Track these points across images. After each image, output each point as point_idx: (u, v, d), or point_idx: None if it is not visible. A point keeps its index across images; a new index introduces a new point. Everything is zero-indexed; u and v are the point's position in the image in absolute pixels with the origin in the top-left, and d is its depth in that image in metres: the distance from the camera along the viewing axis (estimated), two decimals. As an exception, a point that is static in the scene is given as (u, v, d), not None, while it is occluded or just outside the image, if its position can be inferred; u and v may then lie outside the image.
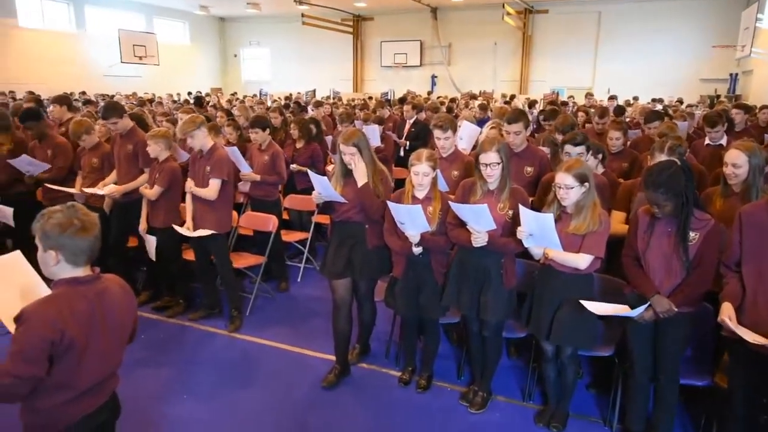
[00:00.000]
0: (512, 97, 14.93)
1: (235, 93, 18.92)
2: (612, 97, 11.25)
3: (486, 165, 2.92)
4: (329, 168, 5.99)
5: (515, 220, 2.90)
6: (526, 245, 2.83)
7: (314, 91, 19.69)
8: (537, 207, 3.12)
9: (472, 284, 3.10)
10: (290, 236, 5.44)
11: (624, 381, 3.03)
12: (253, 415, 3.29)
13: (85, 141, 4.59)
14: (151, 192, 4.23)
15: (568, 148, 3.56)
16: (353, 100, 16.25)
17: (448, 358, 3.89)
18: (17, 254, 2.00)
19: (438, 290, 3.26)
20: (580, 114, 8.25)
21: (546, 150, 4.11)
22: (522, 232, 2.76)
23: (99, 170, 4.65)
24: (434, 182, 3.17)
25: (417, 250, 3.14)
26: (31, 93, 12.61)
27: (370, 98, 16.52)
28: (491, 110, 10.73)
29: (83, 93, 14.97)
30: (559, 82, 19.44)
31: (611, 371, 3.22)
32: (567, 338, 2.88)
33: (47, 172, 4.76)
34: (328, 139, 6.83)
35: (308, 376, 3.67)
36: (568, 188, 2.71)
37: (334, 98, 16.52)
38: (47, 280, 1.89)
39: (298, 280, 5.40)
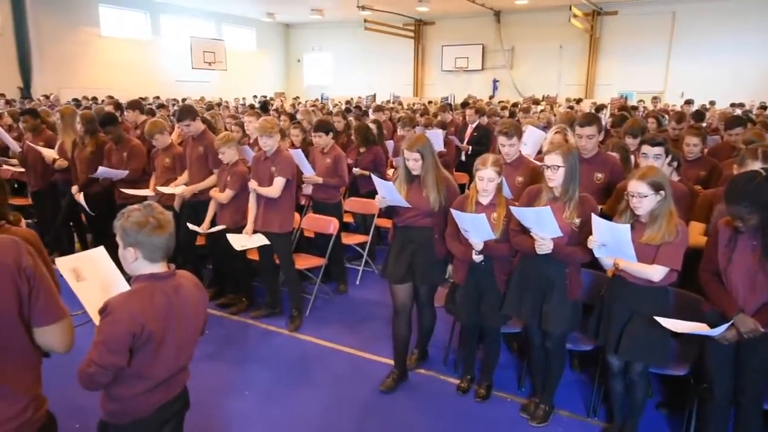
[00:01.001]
0: (578, 101, 14.49)
1: (297, 97, 19.39)
2: (688, 102, 10.69)
3: (548, 167, 2.84)
4: (390, 172, 6.03)
5: (582, 229, 2.79)
6: (597, 255, 2.72)
7: (374, 95, 19.86)
8: (607, 215, 3.00)
9: (534, 293, 3.01)
10: (350, 239, 5.50)
11: (700, 403, 2.85)
12: (311, 415, 3.33)
13: (158, 141, 4.83)
14: (223, 196, 4.39)
15: (645, 148, 3.38)
16: (413, 104, 16.28)
17: (508, 367, 3.80)
18: (101, 250, 2.11)
19: (500, 298, 3.19)
20: (650, 120, 7.87)
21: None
22: (594, 242, 2.65)
23: (171, 170, 4.88)
24: (499, 188, 3.11)
25: (478, 258, 3.09)
26: (110, 97, 13.44)
27: (430, 102, 16.49)
28: (554, 115, 10.49)
29: (156, 97, 15.77)
30: (627, 85, 18.67)
31: (685, 391, 3.04)
32: (638, 354, 2.75)
33: (125, 174, 5.03)
34: (389, 143, 6.86)
35: (366, 380, 3.68)
36: (641, 197, 2.58)
37: (393, 102, 16.59)
38: (126, 275, 1.99)
39: (357, 282, 5.45)
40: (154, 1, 18.24)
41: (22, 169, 5.87)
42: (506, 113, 10.30)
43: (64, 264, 1.95)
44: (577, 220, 2.82)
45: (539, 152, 4.75)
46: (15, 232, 2.11)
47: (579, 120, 3.71)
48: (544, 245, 2.80)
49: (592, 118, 3.68)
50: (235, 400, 3.46)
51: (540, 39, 20.48)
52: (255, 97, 18.10)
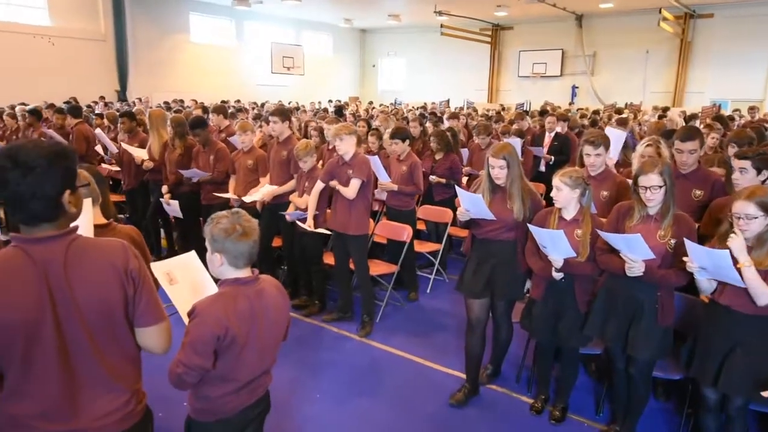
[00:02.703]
0: (665, 109, 13.68)
1: (372, 102, 19.61)
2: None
3: (647, 188, 2.67)
4: (464, 180, 5.94)
5: (678, 250, 2.61)
6: (698, 278, 2.52)
7: (448, 100, 19.74)
8: (703, 234, 2.79)
9: (620, 316, 2.85)
10: (422, 247, 5.46)
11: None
12: (381, 423, 3.32)
13: (244, 141, 5.03)
14: (302, 201, 4.51)
15: (733, 161, 3.13)
16: (488, 110, 16.02)
17: (585, 390, 3.63)
18: (192, 254, 2.20)
19: (579, 318, 3.05)
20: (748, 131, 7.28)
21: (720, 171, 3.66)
22: (693, 266, 2.47)
23: (253, 171, 5.07)
24: (584, 203, 2.98)
25: (557, 275, 2.97)
26: (194, 101, 14.18)
27: (504, 109, 16.16)
28: (639, 124, 9.93)
29: (238, 101, 16.47)
30: (721, 93, 17.43)
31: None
32: (739, 388, 2.52)
33: (211, 175, 5.28)
34: (463, 151, 6.77)
35: (436, 391, 3.63)
36: (749, 218, 2.37)
37: (468, 108, 16.40)
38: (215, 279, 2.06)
39: (428, 291, 5.40)
40: (239, 9, 19.06)
41: (118, 168, 6.30)
42: (586, 121, 9.89)
43: (159, 268, 2.05)
44: (672, 241, 2.64)
45: (622, 164, 4.53)
46: (121, 230, 2.25)
47: (680, 134, 3.46)
48: (634, 267, 2.64)
49: (694, 132, 3.44)
50: (307, 402, 3.51)
51: (625, 44, 19.56)
52: (330, 101, 18.49)
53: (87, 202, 1.87)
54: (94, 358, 1.57)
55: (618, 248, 2.69)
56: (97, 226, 2.14)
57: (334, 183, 4.30)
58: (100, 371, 1.58)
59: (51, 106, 9.46)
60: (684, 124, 7.96)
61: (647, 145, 3.93)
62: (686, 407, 3.15)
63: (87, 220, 1.93)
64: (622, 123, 7.88)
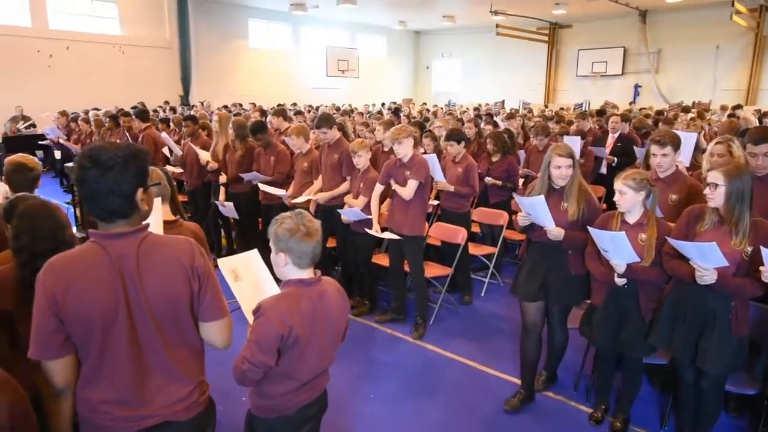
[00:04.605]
0: (735, 107, 12.91)
1: (425, 104, 19.55)
2: None
3: (707, 185, 2.54)
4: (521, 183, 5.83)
5: (754, 258, 2.45)
6: None
7: (503, 101, 19.42)
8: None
9: (689, 326, 2.71)
10: (477, 249, 5.39)
11: None
12: (434, 425, 3.30)
13: (295, 145, 5.12)
14: (358, 202, 4.55)
15: None
16: (543, 111, 15.63)
17: (648, 401, 3.48)
18: (255, 252, 2.26)
19: (643, 326, 2.92)
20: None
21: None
22: (769, 274, 2.32)
23: (309, 173, 5.16)
24: (648, 206, 2.85)
25: (620, 281, 2.85)
26: (253, 104, 14.59)
27: (562, 109, 15.72)
28: (708, 123, 9.40)
29: (294, 104, 16.83)
30: (800, 90, 16.30)
31: None
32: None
33: (272, 177, 5.41)
34: (520, 153, 6.63)
35: (490, 396, 3.58)
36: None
37: (524, 109, 16.07)
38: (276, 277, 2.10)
39: (482, 294, 5.33)
40: (295, 14, 19.47)
41: (181, 170, 6.58)
42: (650, 122, 9.47)
43: (225, 264, 2.12)
44: (749, 248, 2.49)
45: (691, 167, 4.31)
46: (186, 227, 2.36)
47: (753, 136, 3.25)
48: (706, 275, 2.51)
49: None
50: (361, 402, 3.54)
51: (692, 39, 18.59)
52: (383, 104, 18.58)
53: (157, 201, 1.96)
54: (161, 349, 1.64)
55: (689, 257, 2.55)
56: (165, 222, 2.24)
57: (395, 185, 4.31)
58: (167, 361, 1.66)
59: (122, 111, 10.03)
60: (758, 124, 7.50)
61: (717, 143, 3.73)
62: (761, 425, 2.95)
63: (157, 217, 2.02)
64: (667, 122, 7.49)
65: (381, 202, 4.58)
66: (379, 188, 4.42)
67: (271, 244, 1.93)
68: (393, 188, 4.32)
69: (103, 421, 1.61)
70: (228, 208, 5.58)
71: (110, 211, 1.57)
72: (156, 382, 1.65)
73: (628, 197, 2.80)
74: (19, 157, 3.07)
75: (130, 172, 1.57)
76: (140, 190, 1.61)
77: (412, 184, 4.21)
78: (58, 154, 10.46)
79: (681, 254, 2.62)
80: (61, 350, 1.57)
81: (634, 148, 6.08)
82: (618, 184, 2.83)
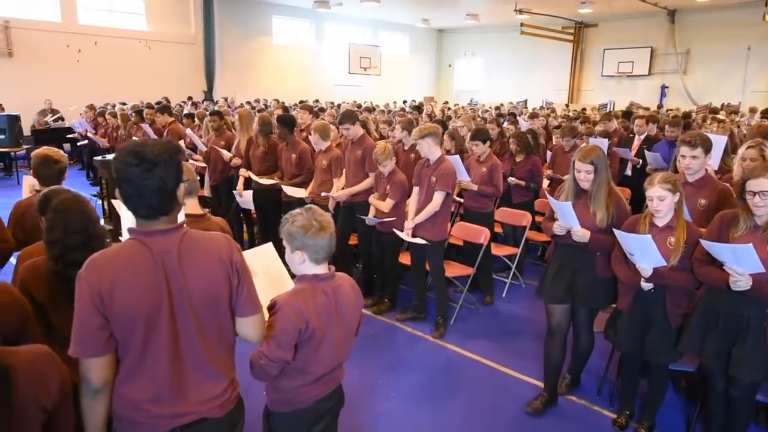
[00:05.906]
0: (766, 110, 12.58)
1: (446, 102, 19.45)
2: None
3: (755, 193, 2.46)
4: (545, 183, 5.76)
5: (791, 264, 2.38)
6: None
7: (525, 101, 19.23)
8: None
9: (721, 334, 2.64)
10: (499, 250, 5.34)
11: None
12: (454, 425, 3.29)
13: (317, 143, 5.13)
14: (385, 205, 4.52)
15: None
16: (565, 110, 15.43)
17: (674, 408, 3.41)
18: (269, 245, 2.26)
19: (670, 332, 2.86)
20: None
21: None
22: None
23: (327, 171, 5.16)
24: (678, 209, 2.79)
25: (647, 285, 2.79)
26: (276, 101, 14.68)
27: (584, 110, 15.52)
28: (737, 126, 9.18)
29: (316, 101, 16.89)
30: (835, 93, 15.82)
31: None
32: None
33: (299, 177, 5.40)
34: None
35: (512, 398, 3.55)
36: None
37: (547, 108, 15.89)
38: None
39: (503, 295, 5.28)
40: (319, 12, 19.51)
41: (204, 165, 6.64)
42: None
43: None
44: (786, 255, 2.42)
45: (720, 170, 4.21)
46: (213, 221, 2.38)
47: None
48: (740, 281, 2.44)
49: None
50: (381, 400, 3.54)
51: (723, 40, 18.17)
52: (405, 102, 18.53)
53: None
54: (200, 345, 1.65)
55: (722, 260, 2.49)
56: (194, 216, 2.26)
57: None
58: (204, 358, 1.66)
59: (147, 104, 10.19)
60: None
61: (749, 147, 3.63)
62: (793, 436, 2.88)
63: (182, 212, 2.04)
64: (686, 126, 7.25)
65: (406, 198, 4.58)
66: (416, 191, 4.40)
67: (285, 243, 1.93)
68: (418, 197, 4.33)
69: (140, 418, 1.61)
70: (245, 198, 5.61)
71: (156, 207, 1.56)
72: (193, 378, 1.65)
73: (668, 202, 2.72)
74: (45, 149, 3.13)
75: (173, 168, 1.57)
76: (182, 186, 1.62)
77: (439, 198, 4.18)
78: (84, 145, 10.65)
79: (713, 260, 2.56)
80: (104, 348, 1.55)
81: (645, 152, 5.96)
82: (655, 190, 2.72)
